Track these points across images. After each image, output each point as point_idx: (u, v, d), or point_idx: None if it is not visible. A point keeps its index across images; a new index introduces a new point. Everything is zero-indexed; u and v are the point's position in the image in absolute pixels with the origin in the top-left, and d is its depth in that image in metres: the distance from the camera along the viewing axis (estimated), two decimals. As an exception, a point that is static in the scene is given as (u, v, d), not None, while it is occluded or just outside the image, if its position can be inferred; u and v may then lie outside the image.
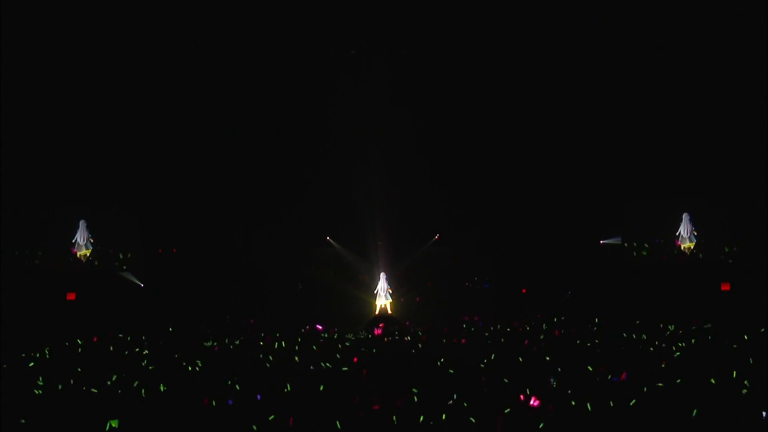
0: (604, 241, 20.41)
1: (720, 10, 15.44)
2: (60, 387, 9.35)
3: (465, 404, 8.20)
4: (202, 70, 17.70)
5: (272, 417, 7.71)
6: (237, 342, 13.64)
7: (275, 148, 19.35)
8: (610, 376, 9.37)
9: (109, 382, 9.69)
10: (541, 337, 13.63)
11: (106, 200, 19.22)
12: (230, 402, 8.36)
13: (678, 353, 11.24)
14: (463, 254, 21.13)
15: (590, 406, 7.86)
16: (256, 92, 18.52)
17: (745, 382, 8.74)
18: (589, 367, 10.08)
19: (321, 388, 9.21)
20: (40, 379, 9.74)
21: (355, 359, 11.63)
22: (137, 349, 12.79)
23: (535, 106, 18.64)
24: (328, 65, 18.12)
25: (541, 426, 7.33)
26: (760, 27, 15.10)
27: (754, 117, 16.70)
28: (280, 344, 13.05)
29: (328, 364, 10.71)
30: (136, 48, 16.74)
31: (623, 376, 9.24)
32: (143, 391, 9.17)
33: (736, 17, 15.39)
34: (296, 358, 11.47)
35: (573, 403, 8.07)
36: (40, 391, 9.04)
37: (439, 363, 10.80)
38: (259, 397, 8.56)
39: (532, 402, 8.18)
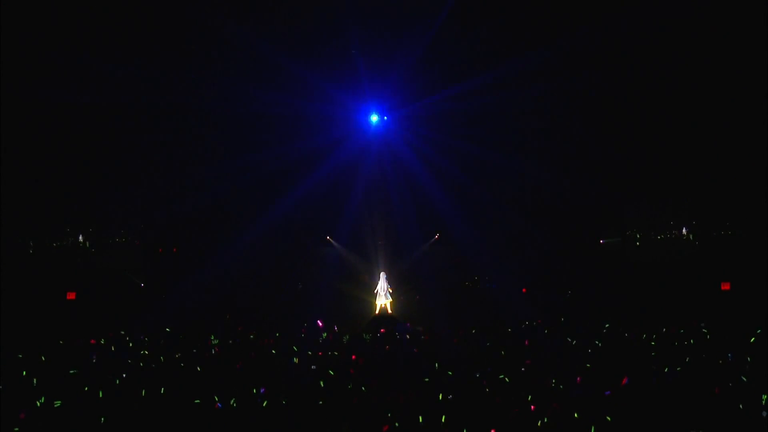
0: (604, 241, 20.43)
1: (720, 10, 15.43)
2: (59, 387, 9.35)
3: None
4: (203, 69, 17.69)
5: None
6: (230, 341, 13.62)
7: (275, 147, 19.34)
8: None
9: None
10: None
11: (107, 199, 19.25)
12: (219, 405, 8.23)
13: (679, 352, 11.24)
14: (464, 254, 21.12)
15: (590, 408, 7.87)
16: (255, 92, 18.51)
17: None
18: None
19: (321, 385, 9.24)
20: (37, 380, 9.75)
21: (354, 356, 11.68)
22: (130, 343, 12.79)
23: (536, 106, 18.64)
24: (328, 64, 18.12)
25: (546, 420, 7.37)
26: (760, 27, 15.10)
27: (754, 117, 16.70)
28: (282, 346, 13.01)
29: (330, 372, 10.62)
30: (138, 47, 16.73)
31: (624, 381, 9.19)
32: (143, 391, 9.17)
33: (736, 17, 15.38)
34: (295, 360, 11.44)
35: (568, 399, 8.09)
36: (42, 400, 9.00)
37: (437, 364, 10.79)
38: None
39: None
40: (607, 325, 14.89)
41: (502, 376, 9.65)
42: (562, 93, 18.19)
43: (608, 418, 7.47)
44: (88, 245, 19.67)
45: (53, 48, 15.92)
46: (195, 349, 12.77)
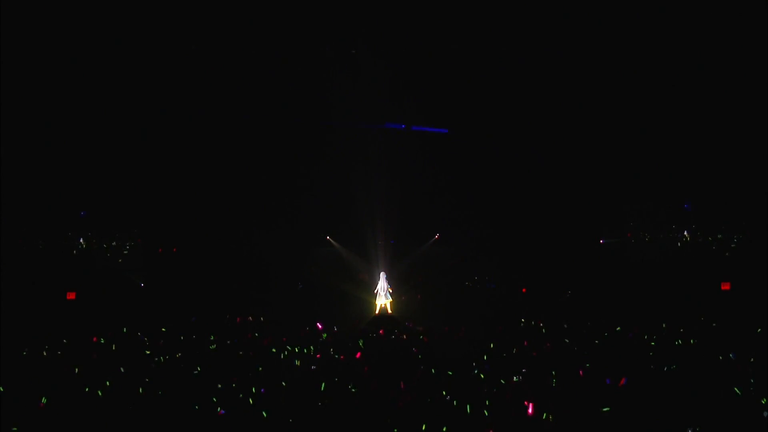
0: (604, 241, 20.43)
1: (720, 11, 15.43)
2: (59, 387, 9.35)
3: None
4: (203, 69, 17.68)
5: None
6: (228, 342, 13.63)
7: (275, 147, 19.35)
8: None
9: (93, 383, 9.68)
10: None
11: (107, 199, 19.26)
12: (222, 411, 8.26)
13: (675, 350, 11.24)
14: (464, 254, 21.13)
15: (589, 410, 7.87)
16: (256, 91, 18.50)
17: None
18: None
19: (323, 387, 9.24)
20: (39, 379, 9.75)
21: (358, 354, 11.72)
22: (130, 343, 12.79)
23: (536, 106, 18.64)
24: (328, 65, 18.11)
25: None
26: (761, 27, 15.10)
27: (754, 117, 16.71)
28: (282, 347, 12.99)
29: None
30: (137, 47, 16.72)
31: (622, 381, 9.18)
32: (141, 389, 9.19)
33: (736, 18, 15.38)
34: (297, 362, 11.43)
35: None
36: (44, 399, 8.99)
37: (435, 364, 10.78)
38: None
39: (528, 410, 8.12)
40: (607, 325, 14.92)
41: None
42: (562, 91, 18.20)
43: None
44: (88, 245, 19.68)
45: (51, 47, 15.95)
46: (195, 349, 12.78)
